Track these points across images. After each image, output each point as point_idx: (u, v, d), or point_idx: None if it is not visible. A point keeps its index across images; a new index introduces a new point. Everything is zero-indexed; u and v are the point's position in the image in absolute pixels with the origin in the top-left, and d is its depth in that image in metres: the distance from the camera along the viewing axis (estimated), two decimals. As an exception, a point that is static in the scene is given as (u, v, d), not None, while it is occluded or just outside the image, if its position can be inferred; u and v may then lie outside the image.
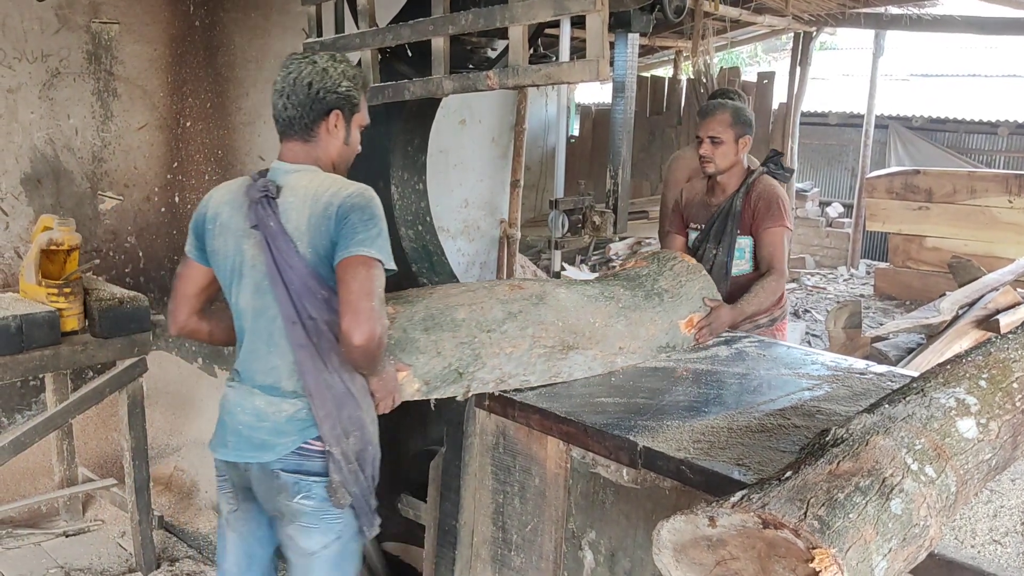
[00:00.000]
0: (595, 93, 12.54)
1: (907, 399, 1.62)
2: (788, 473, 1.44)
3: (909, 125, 11.66)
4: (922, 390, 1.65)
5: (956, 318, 5.43)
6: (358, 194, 2.03)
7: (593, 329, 2.56)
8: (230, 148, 4.68)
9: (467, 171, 6.54)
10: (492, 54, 3.21)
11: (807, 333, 7.41)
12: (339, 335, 1.98)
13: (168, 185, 4.46)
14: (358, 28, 2.95)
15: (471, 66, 3.12)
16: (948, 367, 1.76)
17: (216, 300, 2.28)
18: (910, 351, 5.47)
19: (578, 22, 2.43)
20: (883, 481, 1.39)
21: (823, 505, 1.32)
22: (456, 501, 2.54)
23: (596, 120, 11.10)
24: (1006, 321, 5.08)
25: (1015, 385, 1.71)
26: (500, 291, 2.54)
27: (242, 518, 2.26)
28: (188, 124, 4.49)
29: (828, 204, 11.56)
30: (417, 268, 3.30)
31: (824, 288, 9.47)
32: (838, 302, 7.31)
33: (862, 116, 10.39)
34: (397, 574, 3.12)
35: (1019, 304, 5.33)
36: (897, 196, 8.89)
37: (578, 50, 2.52)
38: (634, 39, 2.72)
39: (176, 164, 4.47)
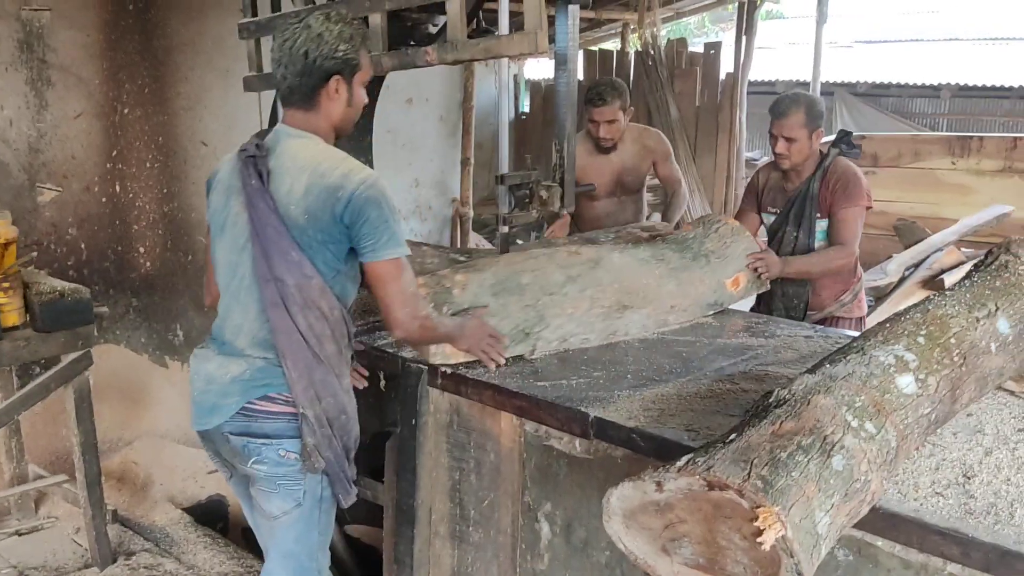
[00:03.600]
0: (546, 69, 12.49)
1: (848, 358, 1.64)
2: (732, 436, 1.45)
3: (854, 91, 11.81)
4: (862, 349, 1.68)
5: (903, 279, 5.54)
6: (371, 184, 2.03)
7: (647, 289, 2.72)
8: (170, 134, 4.58)
9: (416, 151, 6.49)
10: (433, 30, 3.17)
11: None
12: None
13: (108, 174, 4.35)
14: (294, 5, 2.89)
15: (412, 43, 3.09)
16: (888, 325, 1.79)
17: None
18: (860, 314, 5.57)
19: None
20: (824, 439, 1.42)
21: (766, 465, 1.34)
22: (413, 480, 2.54)
23: (546, 96, 11.05)
24: (951, 281, 5.18)
25: (952, 340, 1.74)
26: (559, 257, 2.68)
27: (237, 484, 2.30)
28: (126, 111, 4.38)
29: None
30: (366, 249, 3.28)
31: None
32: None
33: (808, 84, 10.49)
34: (360, 556, 3.11)
35: (963, 263, 5.45)
36: (844, 162, 8.99)
37: (519, 24, 2.50)
38: (574, 11, 2.69)
39: (115, 153, 4.37)
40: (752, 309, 3.67)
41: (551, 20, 2.56)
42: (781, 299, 3.48)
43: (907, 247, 6.09)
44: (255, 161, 2.07)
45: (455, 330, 2.30)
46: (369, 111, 3.42)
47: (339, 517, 3.17)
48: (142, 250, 4.54)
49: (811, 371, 1.63)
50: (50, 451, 3.97)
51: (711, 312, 2.90)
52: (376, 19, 2.63)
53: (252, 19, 3.09)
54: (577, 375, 2.31)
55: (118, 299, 4.45)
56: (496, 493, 2.34)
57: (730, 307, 3.01)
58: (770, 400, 1.55)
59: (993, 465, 1.75)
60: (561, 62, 2.75)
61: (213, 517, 3.88)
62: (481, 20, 3.35)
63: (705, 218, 3.17)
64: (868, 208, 3.36)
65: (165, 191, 4.59)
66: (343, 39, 2.08)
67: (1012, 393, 2.13)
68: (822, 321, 3.44)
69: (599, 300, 2.60)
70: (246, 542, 3.72)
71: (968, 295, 1.89)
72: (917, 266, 5.63)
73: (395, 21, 2.84)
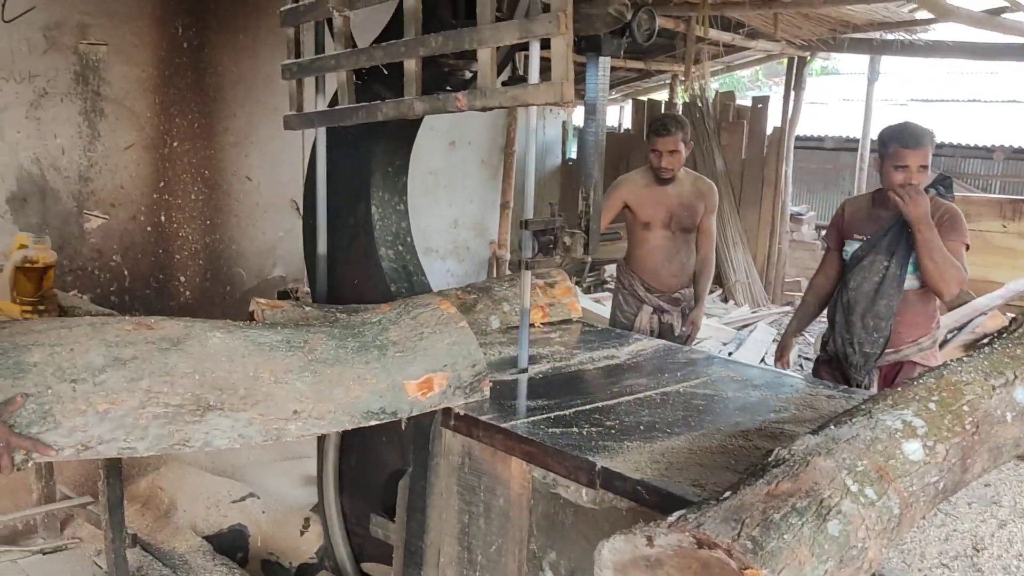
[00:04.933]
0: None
1: (853, 420, 1.62)
2: (727, 493, 1.44)
3: (905, 149, 11.67)
4: (869, 412, 1.65)
5: (945, 342, 5.42)
6: None
7: (253, 386, 2.06)
8: (217, 168, 4.71)
9: (457, 192, 6.57)
10: (469, 76, 3.23)
11: (800, 356, 7.40)
12: None
13: (154, 205, 4.49)
14: (335, 48, 2.97)
15: (449, 88, 3.15)
16: (899, 390, 1.76)
17: None
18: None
19: (548, 43, 2.45)
20: (821, 502, 1.39)
21: (758, 525, 1.32)
22: (422, 521, 2.53)
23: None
24: (993, 345, 5.07)
25: (966, 408, 1.71)
26: (113, 330, 1.99)
27: None
28: (175, 144, 4.53)
29: (824, 228, 11.56)
30: (396, 288, 3.31)
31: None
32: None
33: (858, 140, 10.44)
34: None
35: (1007, 328, 5.32)
36: (891, 220, 8.88)
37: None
38: (605, 62, 2.73)
39: (162, 184, 4.51)
40: (825, 336, 3.63)
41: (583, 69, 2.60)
42: (862, 330, 3.37)
43: (951, 309, 5.98)
44: None
45: None
46: (405, 153, 3.50)
47: (356, 555, 3.18)
48: (183, 279, 4.65)
49: (815, 432, 1.61)
50: (79, 472, 4.04)
51: (374, 422, 2.25)
52: (411, 64, 2.69)
53: (295, 60, 3.19)
54: (589, 423, 2.30)
55: (156, 326, 4.55)
56: (504, 539, 2.33)
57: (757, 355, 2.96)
58: (769, 459, 1.53)
59: (1006, 539, 1.70)
60: (590, 112, 2.78)
61: (233, 547, 3.90)
62: (518, 67, 3.41)
63: (411, 300, 2.60)
64: (967, 248, 3.29)
65: (208, 223, 4.72)
66: None
67: (1035, 465, 2.06)
68: (898, 364, 3.36)
69: (161, 396, 1.93)
70: (264, 575, 3.74)
71: (986, 362, 1.85)
72: (960, 329, 5.52)
73: (432, 67, 2.90)
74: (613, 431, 2.25)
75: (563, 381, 2.70)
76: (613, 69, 2.27)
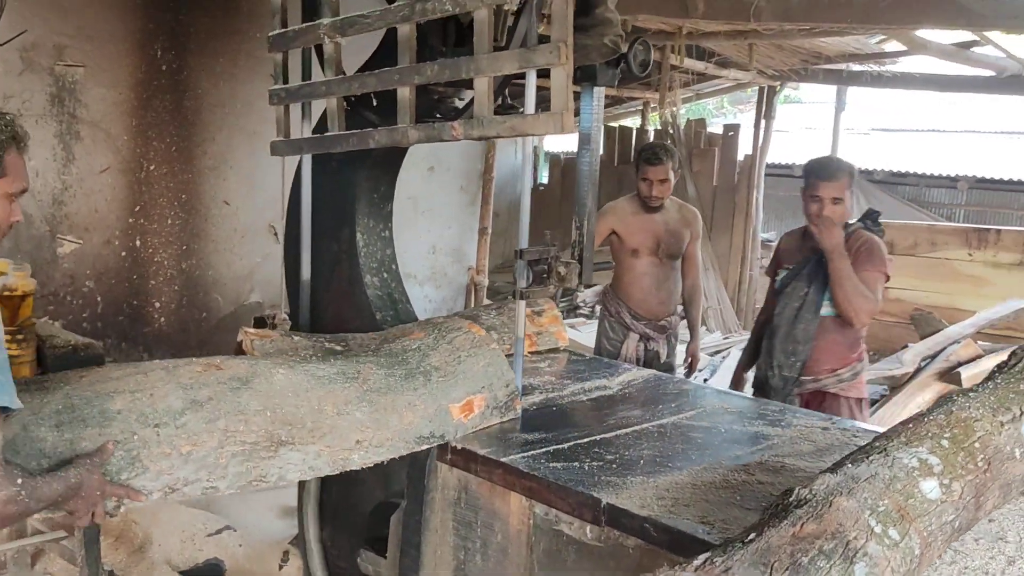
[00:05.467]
0: (565, 141, 12.66)
1: (870, 458, 1.60)
2: (752, 535, 1.41)
3: (871, 178, 11.89)
4: (884, 449, 1.64)
5: (919, 370, 5.48)
6: None
7: (319, 419, 2.12)
8: (194, 192, 4.64)
9: (435, 218, 6.54)
10: (459, 104, 3.21)
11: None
12: None
13: (129, 229, 4.40)
14: (324, 76, 2.94)
15: (438, 115, 3.12)
16: (911, 426, 1.75)
17: None
18: (874, 402, 5.51)
19: (545, 73, 2.45)
20: (847, 544, 1.37)
21: (787, 569, 1.30)
22: (416, 557, 2.48)
23: (565, 168, 11.19)
24: (967, 374, 5.14)
25: (976, 445, 1.70)
26: (186, 373, 2.05)
27: None
28: (152, 168, 4.46)
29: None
30: (381, 316, 3.27)
31: (789, 338, 9.51)
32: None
33: (825, 168, 10.56)
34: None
35: (980, 357, 5.40)
36: (860, 248, 9.00)
37: (544, 100, 2.53)
38: (600, 92, 2.74)
39: (138, 208, 4.43)
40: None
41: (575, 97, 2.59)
42: (781, 353, 3.48)
43: (923, 337, 6.05)
44: None
45: (65, 492, 1.71)
46: (391, 180, 3.47)
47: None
48: (158, 305, 4.56)
49: (832, 471, 1.59)
50: (50, 505, 3.92)
51: (424, 447, 2.31)
52: (405, 92, 2.66)
53: (283, 86, 3.15)
54: (589, 457, 2.27)
55: (131, 353, 4.45)
56: (502, 575, 2.28)
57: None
58: (790, 499, 1.50)
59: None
60: (585, 141, 2.78)
61: (209, 581, 3.80)
62: (506, 96, 3.40)
63: (443, 323, 2.67)
64: (887, 279, 3.40)
65: (184, 248, 4.64)
66: None
67: (1035, 499, 2.07)
68: (816, 393, 3.44)
69: (237, 435, 1.99)
70: (241, 610, 3.65)
71: (992, 397, 1.85)
72: (933, 357, 5.58)
73: (422, 95, 2.88)
74: (614, 465, 2.22)
75: (557, 413, 2.67)
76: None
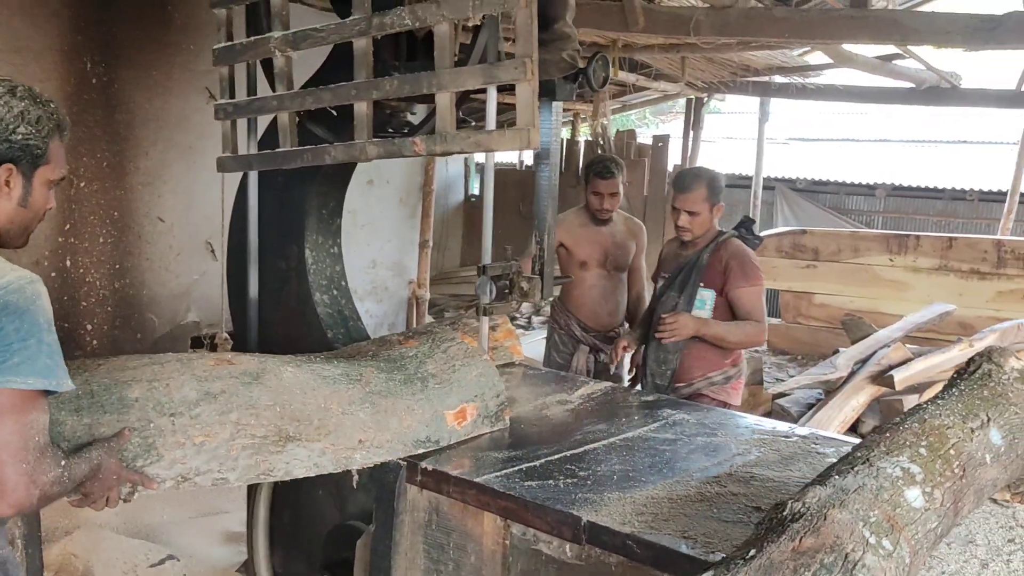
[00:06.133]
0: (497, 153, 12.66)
1: (855, 469, 1.63)
2: (752, 551, 1.42)
3: (793, 187, 12.23)
4: (868, 459, 1.66)
5: (852, 374, 5.63)
6: (16, 289, 1.60)
7: (325, 417, 2.16)
8: (127, 209, 4.48)
9: (375, 232, 6.46)
10: (412, 118, 3.18)
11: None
12: None
13: (59, 248, 4.22)
14: (274, 91, 2.86)
15: (390, 130, 3.08)
16: (888, 435, 1.78)
17: None
18: (810, 406, 5.64)
19: (503, 87, 2.43)
20: (846, 556, 1.39)
21: (792, 585, 1.31)
22: (385, 582, 2.42)
23: (498, 180, 11.20)
24: (900, 377, 5.29)
25: (952, 452, 1.75)
26: (200, 365, 2.08)
27: None
28: (82, 184, 4.28)
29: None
30: (333, 334, 3.20)
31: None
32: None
33: (750, 177, 10.85)
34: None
35: (910, 360, 5.57)
36: (786, 255, 9.24)
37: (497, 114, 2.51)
38: (558, 107, 2.75)
39: (68, 227, 4.25)
40: (630, 371, 3.99)
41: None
42: (654, 362, 3.61)
43: (854, 342, 6.22)
44: None
45: (89, 473, 1.75)
46: (340, 195, 3.41)
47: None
48: (90, 327, 4.38)
49: (820, 482, 1.61)
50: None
51: (420, 451, 2.35)
52: (362, 107, 2.61)
53: (230, 100, 3.06)
54: (563, 474, 2.25)
55: (62, 378, 4.26)
56: (475, 598, 2.25)
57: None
58: (784, 513, 1.52)
59: (992, 579, 1.74)
60: (544, 156, 2.78)
61: (153, 614, 3.66)
62: (458, 112, 3.37)
63: (437, 333, 2.72)
64: (762, 283, 3.55)
65: (117, 267, 4.47)
66: (24, 120, 1.71)
67: (995, 501, 2.14)
68: (694, 396, 3.54)
69: (248, 428, 2.03)
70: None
71: (960, 405, 1.90)
72: (865, 361, 5.74)
73: (375, 109, 2.83)
74: (589, 482, 2.21)
75: (525, 429, 2.65)
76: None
